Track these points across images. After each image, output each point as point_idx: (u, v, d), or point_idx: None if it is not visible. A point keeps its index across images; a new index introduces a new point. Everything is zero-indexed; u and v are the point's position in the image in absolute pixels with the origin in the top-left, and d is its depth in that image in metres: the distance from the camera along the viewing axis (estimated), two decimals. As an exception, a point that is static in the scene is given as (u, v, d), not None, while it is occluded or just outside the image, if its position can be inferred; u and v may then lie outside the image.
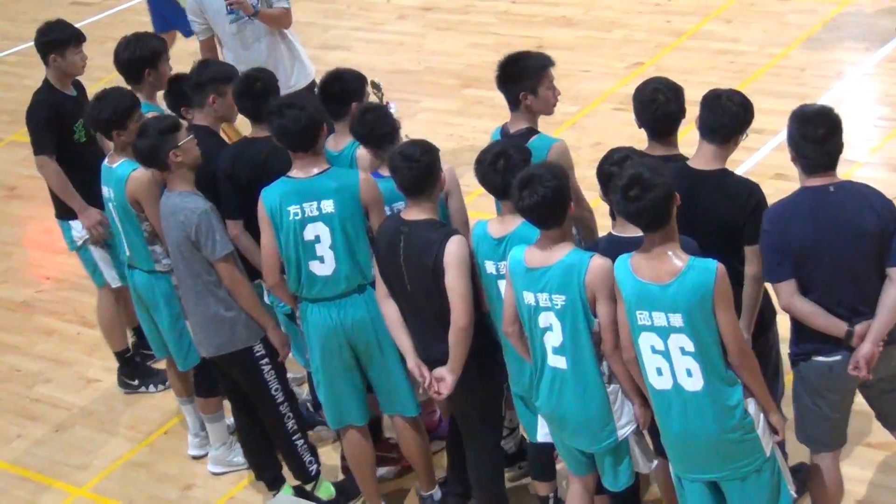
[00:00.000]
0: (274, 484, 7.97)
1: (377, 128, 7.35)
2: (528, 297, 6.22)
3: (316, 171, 7.10)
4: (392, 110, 7.90)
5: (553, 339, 6.28)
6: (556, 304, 6.21)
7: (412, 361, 6.77)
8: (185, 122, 7.95)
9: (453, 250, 6.58)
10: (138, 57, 8.25)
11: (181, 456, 8.46)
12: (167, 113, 8.15)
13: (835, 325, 6.21)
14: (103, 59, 10.23)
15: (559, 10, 13.07)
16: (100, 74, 11.84)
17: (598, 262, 6.13)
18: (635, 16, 12.57)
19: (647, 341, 5.95)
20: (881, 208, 6.21)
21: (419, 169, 6.67)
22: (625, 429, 6.44)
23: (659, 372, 5.99)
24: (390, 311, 6.64)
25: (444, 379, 6.66)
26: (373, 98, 8.23)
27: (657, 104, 6.87)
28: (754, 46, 11.64)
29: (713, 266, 5.69)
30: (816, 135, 6.21)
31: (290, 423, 7.63)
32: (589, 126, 10.89)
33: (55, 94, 8.55)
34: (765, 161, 10.06)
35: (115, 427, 8.90)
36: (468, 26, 13.36)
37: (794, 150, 6.37)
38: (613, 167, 6.56)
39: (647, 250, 5.85)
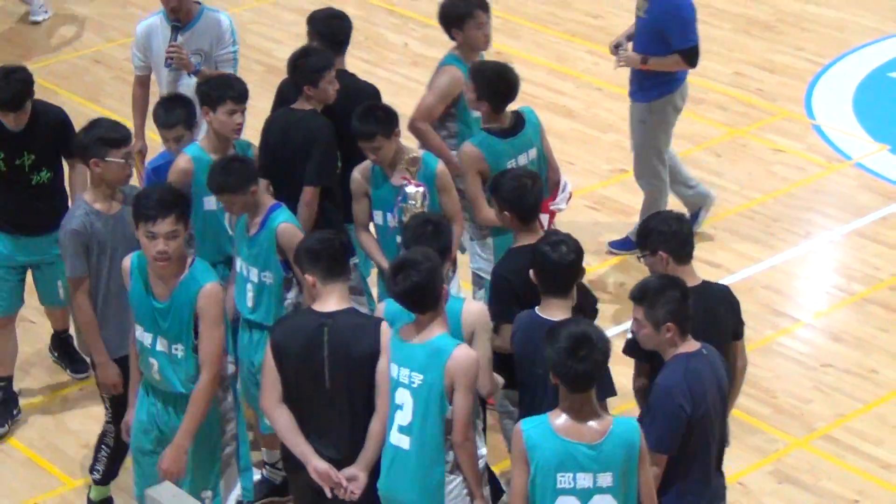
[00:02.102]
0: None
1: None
2: (393, 369, 6.18)
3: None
4: (416, 191, 7.75)
5: (402, 417, 6.25)
6: (414, 383, 6.16)
7: (318, 464, 6.40)
8: (137, 143, 8.73)
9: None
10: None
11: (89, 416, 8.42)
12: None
13: None
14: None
15: (562, 98, 12.86)
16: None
17: (463, 351, 6.12)
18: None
19: None
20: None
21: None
22: None
23: None
24: (284, 417, 6.31)
25: (357, 478, 6.38)
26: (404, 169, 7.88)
27: (525, 190, 7.10)
28: (735, 185, 11.47)
29: (635, 424, 5.69)
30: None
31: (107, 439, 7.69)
32: (559, 216, 10.23)
33: None
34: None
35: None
36: None
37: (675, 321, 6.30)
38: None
39: (574, 409, 5.64)
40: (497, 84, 7.83)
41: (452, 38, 8.68)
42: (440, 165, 7.87)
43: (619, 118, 12.30)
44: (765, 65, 13.06)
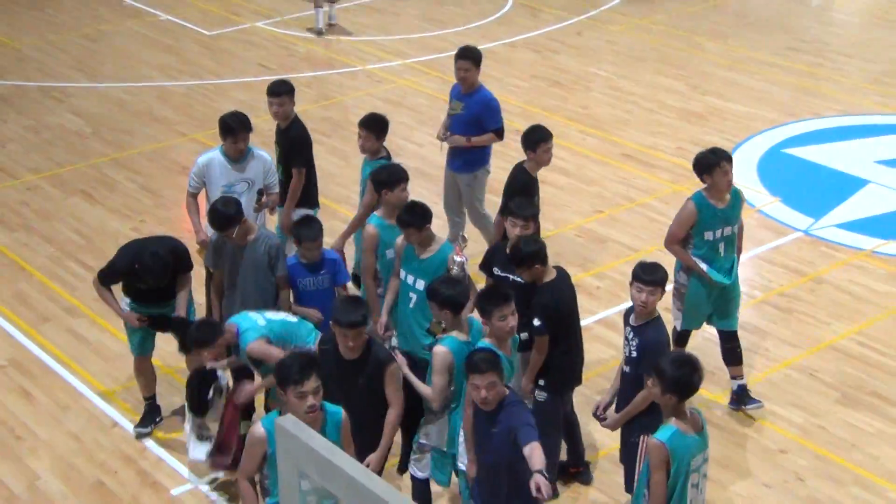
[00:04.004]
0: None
1: None
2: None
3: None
4: (461, 260, 8.15)
5: None
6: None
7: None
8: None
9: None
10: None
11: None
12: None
13: None
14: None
15: (558, 161, 12.26)
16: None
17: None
18: (610, 182, 13.05)
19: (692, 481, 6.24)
20: None
21: None
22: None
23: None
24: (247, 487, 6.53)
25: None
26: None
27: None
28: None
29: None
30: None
31: None
32: (554, 238, 11.37)
33: None
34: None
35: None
36: None
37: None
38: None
39: (683, 412, 6.23)
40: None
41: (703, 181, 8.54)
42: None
43: (600, 176, 13.21)
44: (697, 142, 13.62)
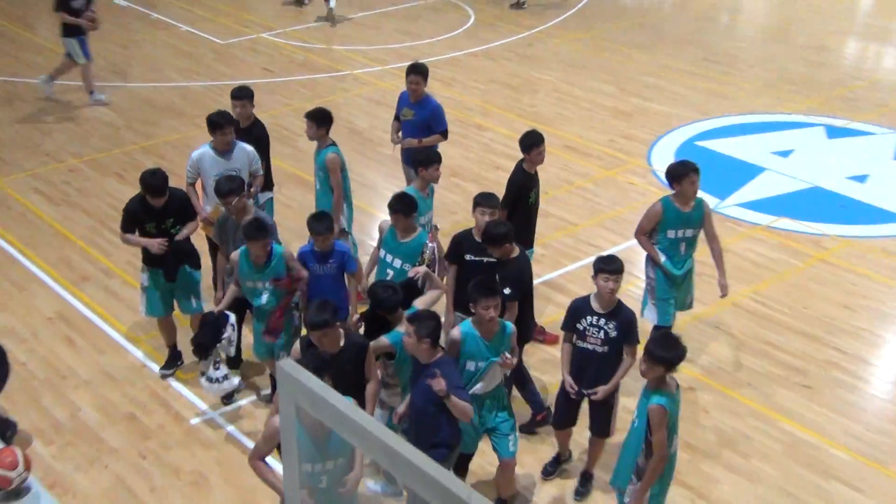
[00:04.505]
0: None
1: None
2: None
3: None
4: (432, 245, 8.09)
5: None
6: None
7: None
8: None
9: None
10: None
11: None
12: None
13: None
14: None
15: (511, 151, 12.32)
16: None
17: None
18: (553, 168, 12.45)
19: None
20: None
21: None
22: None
23: None
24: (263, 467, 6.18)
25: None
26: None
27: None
28: (607, 202, 12.10)
29: None
30: None
31: None
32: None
33: None
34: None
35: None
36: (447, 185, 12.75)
37: None
38: None
39: (665, 380, 6.27)
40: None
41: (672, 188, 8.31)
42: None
43: (545, 163, 11.62)
44: (625, 136, 14.10)
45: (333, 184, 9.44)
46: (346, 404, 2.42)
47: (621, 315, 7.08)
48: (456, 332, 6.79)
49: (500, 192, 10.80)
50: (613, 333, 7.05)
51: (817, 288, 10.57)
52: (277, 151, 12.95)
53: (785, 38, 18.80)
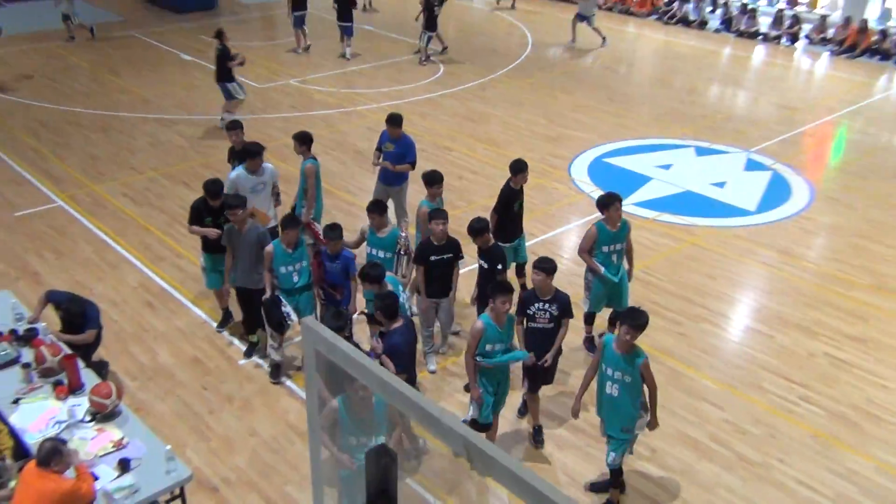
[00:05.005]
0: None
1: None
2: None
3: None
4: (405, 236, 7.92)
5: None
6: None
7: None
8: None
9: None
10: None
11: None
12: None
13: None
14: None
15: (471, 164, 12.90)
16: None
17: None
18: (500, 179, 11.81)
19: None
20: None
21: None
22: None
23: None
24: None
25: None
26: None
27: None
28: (539, 202, 11.73)
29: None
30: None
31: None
32: (467, 212, 10.79)
33: None
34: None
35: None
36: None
37: None
38: None
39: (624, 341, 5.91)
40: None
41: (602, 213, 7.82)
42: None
43: (494, 175, 12.58)
44: (553, 154, 13.75)
45: (308, 186, 9.23)
46: (357, 352, 2.32)
47: (559, 298, 6.88)
48: (479, 324, 6.37)
49: (464, 196, 11.20)
50: (556, 313, 6.85)
51: (690, 263, 10.47)
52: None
53: (667, 83, 18.67)
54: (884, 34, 20.69)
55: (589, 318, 8.51)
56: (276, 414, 7.57)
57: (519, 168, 8.63)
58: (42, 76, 17.50)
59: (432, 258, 7.78)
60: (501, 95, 17.34)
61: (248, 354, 8.31)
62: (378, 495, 2.13)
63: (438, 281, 7.69)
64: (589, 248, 7.99)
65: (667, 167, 13.66)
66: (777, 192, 12.70)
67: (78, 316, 7.18)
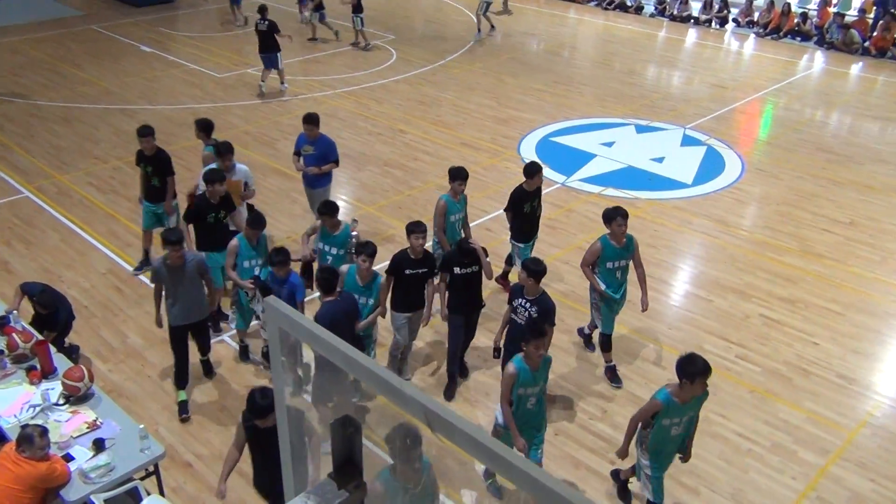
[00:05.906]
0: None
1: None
2: None
3: None
4: (356, 234, 7.59)
5: None
6: None
7: None
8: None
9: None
10: None
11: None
12: None
13: None
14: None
15: (425, 145, 12.69)
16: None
17: None
18: (453, 159, 12.31)
19: None
20: None
21: None
22: None
23: None
24: None
25: None
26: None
27: None
28: (492, 181, 11.79)
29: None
30: None
31: None
32: (422, 191, 10.71)
33: None
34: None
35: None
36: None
37: None
38: None
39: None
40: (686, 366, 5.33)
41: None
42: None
43: (447, 155, 12.65)
44: (503, 135, 13.67)
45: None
46: (319, 329, 2.25)
47: (543, 302, 6.47)
48: (511, 368, 5.71)
49: (419, 176, 11.05)
50: (535, 315, 6.41)
51: (633, 233, 10.14)
52: (261, 152, 12.69)
53: (607, 65, 18.69)
54: (805, 17, 21.10)
55: (606, 342, 7.69)
56: (245, 389, 7.47)
57: (531, 171, 8.13)
58: (3, 71, 17.10)
59: (407, 271, 7.15)
60: (452, 80, 17.23)
61: (243, 356, 7.91)
62: (343, 463, 2.05)
63: (412, 295, 7.19)
64: (592, 263, 7.34)
65: (609, 144, 13.62)
66: (711, 165, 12.79)
67: (50, 305, 7.16)
